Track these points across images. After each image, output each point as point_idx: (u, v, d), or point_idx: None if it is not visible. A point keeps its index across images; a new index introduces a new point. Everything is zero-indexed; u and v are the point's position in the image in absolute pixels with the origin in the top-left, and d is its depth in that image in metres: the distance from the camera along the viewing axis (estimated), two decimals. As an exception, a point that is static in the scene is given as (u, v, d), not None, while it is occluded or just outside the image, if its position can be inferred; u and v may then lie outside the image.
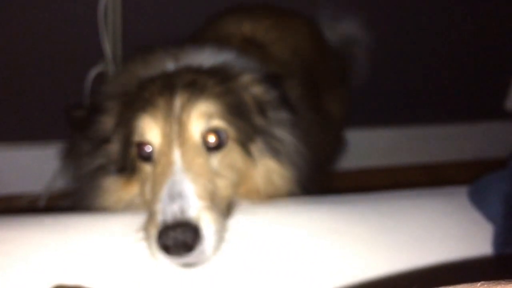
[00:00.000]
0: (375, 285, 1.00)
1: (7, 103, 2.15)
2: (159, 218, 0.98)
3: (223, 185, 1.10)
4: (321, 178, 1.39)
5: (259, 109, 1.23)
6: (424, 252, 1.06)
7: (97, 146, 1.24)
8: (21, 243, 1.00)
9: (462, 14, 2.44)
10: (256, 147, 1.20)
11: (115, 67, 2.00)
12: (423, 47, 2.49)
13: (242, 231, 1.07)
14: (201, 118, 1.10)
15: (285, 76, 1.36)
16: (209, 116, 1.11)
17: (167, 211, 0.98)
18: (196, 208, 0.99)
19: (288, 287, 0.99)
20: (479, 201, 1.12)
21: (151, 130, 1.10)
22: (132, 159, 1.15)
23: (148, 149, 1.11)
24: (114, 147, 1.21)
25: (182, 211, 0.98)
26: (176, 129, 1.09)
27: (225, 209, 1.09)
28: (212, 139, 1.11)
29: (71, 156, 1.35)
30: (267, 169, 1.21)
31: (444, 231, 1.09)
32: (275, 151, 1.22)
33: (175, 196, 1.00)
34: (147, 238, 1.01)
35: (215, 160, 1.11)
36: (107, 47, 1.99)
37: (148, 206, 1.08)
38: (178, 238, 0.95)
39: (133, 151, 1.14)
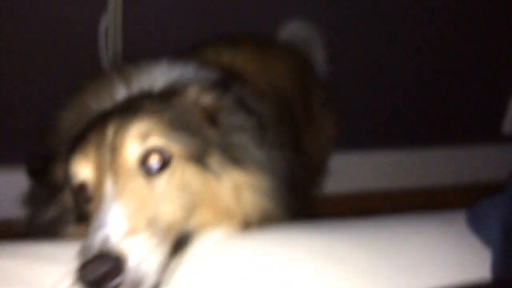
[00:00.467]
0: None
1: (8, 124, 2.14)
2: (83, 254, 0.89)
3: (170, 210, 0.99)
4: (298, 200, 1.26)
5: (210, 120, 1.12)
6: (422, 276, 1.04)
7: (51, 196, 1.16)
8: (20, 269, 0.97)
9: (459, 38, 2.46)
10: (215, 160, 1.08)
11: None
12: (421, 71, 2.51)
13: (234, 260, 1.01)
14: (134, 139, 1.00)
15: (236, 80, 1.26)
16: (144, 136, 1.00)
17: (90, 245, 0.88)
18: (122, 235, 0.88)
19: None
20: (477, 225, 1.11)
21: (82, 168, 1.02)
22: (84, 205, 1.06)
23: (87, 188, 1.02)
24: (67, 196, 1.13)
25: (104, 241, 0.87)
26: (108, 158, 0.99)
27: (175, 238, 0.98)
28: (154, 159, 1.00)
29: (30, 205, 1.26)
30: (235, 182, 1.09)
31: (442, 256, 1.09)
32: (237, 160, 1.10)
33: (100, 226, 0.89)
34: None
35: (160, 182, 1.00)
36: (107, 66, 2.00)
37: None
38: (97, 271, 0.83)
39: (80, 197, 1.05)
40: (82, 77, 2.08)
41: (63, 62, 2.06)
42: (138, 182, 0.98)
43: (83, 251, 0.89)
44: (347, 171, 2.61)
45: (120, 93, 1.20)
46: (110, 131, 1.01)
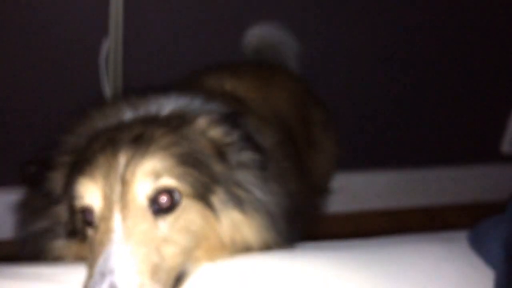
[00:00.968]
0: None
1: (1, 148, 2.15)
2: None
3: (172, 254, 0.98)
4: (300, 225, 1.26)
5: (218, 154, 1.11)
6: (426, 298, 1.05)
7: (47, 205, 1.13)
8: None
9: (459, 57, 2.48)
10: (218, 199, 1.07)
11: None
12: (421, 91, 2.52)
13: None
14: (147, 177, 0.98)
15: (245, 115, 1.25)
16: (157, 175, 0.98)
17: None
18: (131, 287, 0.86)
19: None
20: (479, 246, 1.12)
21: (90, 193, 0.99)
22: (81, 225, 1.04)
23: (90, 213, 1.00)
24: (63, 209, 1.10)
25: None
26: (118, 190, 0.97)
27: (172, 282, 0.97)
28: (163, 199, 0.99)
29: (22, 213, 1.22)
30: (232, 223, 1.09)
31: (445, 276, 1.09)
32: (239, 201, 1.09)
33: (107, 272, 0.87)
34: None
35: (165, 224, 0.99)
36: (108, 92, 2.01)
37: (84, 280, 0.95)
38: None
39: (80, 217, 1.03)
40: (83, 102, 2.10)
41: (63, 86, 2.08)
42: (147, 223, 0.96)
43: None
44: (348, 191, 2.61)
45: (127, 117, 1.19)
46: (121, 160, 0.99)
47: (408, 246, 1.17)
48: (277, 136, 1.33)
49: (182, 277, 1.00)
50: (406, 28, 2.36)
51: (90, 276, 0.90)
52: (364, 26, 2.31)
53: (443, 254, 1.14)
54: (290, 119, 1.69)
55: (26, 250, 1.16)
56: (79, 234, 1.06)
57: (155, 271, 0.92)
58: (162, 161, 1.00)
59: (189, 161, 1.05)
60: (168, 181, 0.99)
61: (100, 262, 0.89)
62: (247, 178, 1.13)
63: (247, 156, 1.14)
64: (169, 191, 1.00)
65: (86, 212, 1.00)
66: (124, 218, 0.95)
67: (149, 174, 0.98)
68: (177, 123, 1.10)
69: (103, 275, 0.87)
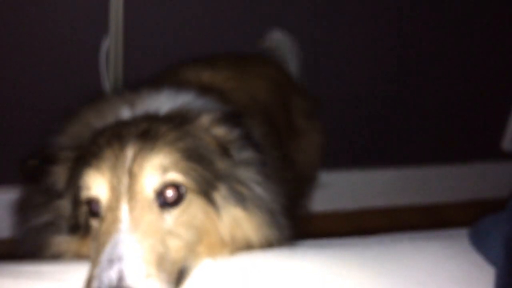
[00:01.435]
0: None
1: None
2: (94, 285, 0.87)
3: (176, 247, 0.99)
4: (291, 221, 1.26)
5: (222, 151, 1.13)
6: (426, 295, 1.05)
7: (48, 199, 1.14)
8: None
9: (459, 55, 2.48)
10: (220, 195, 1.09)
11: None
12: (421, 89, 2.52)
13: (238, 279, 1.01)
14: (154, 171, 1.00)
15: (246, 114, 1.27)
16: (164, 169, 1.01)
17: (103, 277, 0.86)
18: (138, 276, 0.87)
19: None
20: (479, 243, 1.12)
21: (97, 184, 1.00)
22: (85, 218, 1.05)
23: (96, 204, 1.01)
24: (65, 204, 1.12)
25: (121, 278, 0.86)
26: (125, 182, 0.98)
27: (175, 275, 0.98)
28: (169, 193, 1.01)
29: (22, 208, 1.23)
30: (233, 219, 1.10)
31: (445, 274, 1.08)
32: (240, 197, 1.11)
33: (115, 259, 0.88)
34: None
35: (170, 217, 1.00)
36: (108, 88, 2.02)
37: (90, 268, 0.96)
38: None
39: (84, 209, 1.05)
40: (83, 99, 2.10)
41: (64, 84, 2.08)
42: (153, 215, 0.98)
43: (93, 280, 0.89)
44: (348, 189, 2.61)
45: (125, 115, 1.21)
46: (129, 153, 1.01)
47: (408, 244, 1.17)
48: (262, 127, 1.35)
49: (185, 271, 1.01)
50: (406, 27, 2.36)
51: (96, 264, 0.91)
52: (363, 25, 2.31)
53: (444, 251, 1.14)
54: (271, 108, 1.71)
55: (25, 245, 1.16)
56: (81, 228, 1.07)
57: (160, 262, 0.93)
58: (169, 155, 1.02)
59: (194, 156, 1.06)
60: (175, 176, 1.02)
61: (107, 250, 0.91)
62: (249, 175, 1.14)
63: (248, 154, 1.16)
64: (175, 186, 1.01)
65: (92, 203, 1.02)
66: (131, 209, 0.96)
67: (157, 168, 1.00)
68: (180, 120, 1.12)
69: (111, 261, 0.88)
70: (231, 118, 1.16)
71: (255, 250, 1.13)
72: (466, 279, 1.08)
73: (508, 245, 1.06)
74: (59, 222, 1.12)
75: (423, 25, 2.37)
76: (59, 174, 1.13)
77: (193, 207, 1.04)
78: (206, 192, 1.06)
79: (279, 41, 2.13)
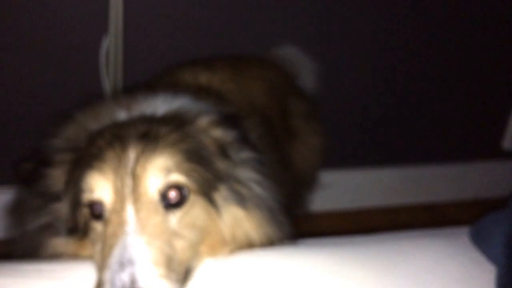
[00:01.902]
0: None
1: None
2: (104, 285, 0.88)
3: (182, 247, 0.99)
4: (290, 219, 1.28)
5: (221, 152, 1.14)
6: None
7: (45, 202, 1.13)
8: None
9: (460, 55, 2.48)
10: (220, 195, 1.10)
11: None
12: (422, 89, 2.52)
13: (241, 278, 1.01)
14: (158, 172, 1.00)
15: (243, 116, 1.29)
16: (168, 171, 1.01)
17: (115, 280, 0.87)
18: (150, 278, 0.88)
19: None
20: (481, 242, 1.11)
21: (100, 187, 1.00)
22: (84, 221, 1.05)
23: (100, 206, 1.01)
24: (63, 206, 1.11)
25: (133, 281, 0.87)
26: (129, 184, 0.98)
27: (182, 275, 0.98)
28: (172, 195, 1.01)
29: (17, 211, 1.23)
30: (234, 218, 1.11)
31: (447, 273, 1.08)
32: (240, 197, 1.12)
33: (126, 263, 0.89)
34: None
35: (174, 218, 1.01)
36: (108, 89, 2.01)
37: (97, 271, 0.96)
38: None
39: (84, 211, 1.04)
40: (83, 100, 2.10)
41: (63, 84, 2.08)
42: (159, 217, 0.98)
43: (105, 283, 0.89)
44: (349, 188, 2.61)
45: (121, 118, 1.21)
46: (130, 155, 1.01)
47: (409, 242, 1.17)
48: (259, 128, 1.36)
49: (190, 271, 1.02)
50: (407, 27, 2.36)
51: (104, 267, 0.91)
52: (363, 25, 2.31)
53: (445, 250, 1.14)
54: (268, 110, 1.71)
55: (22, 248, 1.16)
56: (80, 230, 1.07)
57: (169, 262, 0.94)
58: (171, 157, 1.03)
59: (195, 158, 1.07)
60: (178, 177, 1.02)
61: (116, 253, 0.91)
62: (248, 175, 1.15)
63: (246, 154, 1.17)
64: (178, 187, 1.02)
65: (95, 205, 1.01)
66: (137, 211, 0.96)
67: (160, 169, 1.01)
68: (179, 122, 1.12)
69: (122, 265, 0.89)
70: (228, 119, 1.17)
71: (256, 248, 1.13)
72: (467, 277, 1.08)
73: (509, 244, 1.06)
74: (57, 225, 1.12)
75: (424, 25, 2.37)
76: (56, 177, 1.12)
77: (196, 208, 1.05)
78: (207, 192, 1.07)
79: (290, 55, 2.14)
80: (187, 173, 1.03)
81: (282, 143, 1.74)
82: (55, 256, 1.11)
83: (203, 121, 1.15)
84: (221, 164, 1.13)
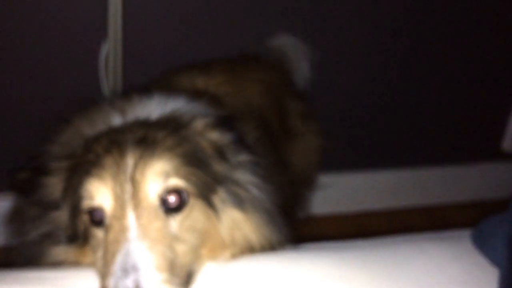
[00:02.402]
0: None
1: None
2: None
3: (183, 251, 1.00)
4: (288, 222, 1.28)
5: (218, 155, 1.14)
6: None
7: (44, 211, 1.13)
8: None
9: (459, 57, 2.49)
10: (219, 198, 1.10)
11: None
12: (421, 91, 2.53)
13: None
14: (157, 177, 1.01)
15: (239, 118, 1.29)
16: (166, 175, 1.01)
17: (120, 287, 0.88)
18: (154, 283, 0.89)
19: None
20: (482, 244, 1.11)
21: (100, 193, 1.00)
22: (84, 228, 1.04)
23: (100, 213, 1.01)
24: (63, 214, 1.10)
25: (138, 287, 0.87)
26: (129, 190, 0.98)
27: (185, 279, 0.99)
28: (172, 199, 1.01)
29: (15, 221, 1.22)
30: (233, 221, 1.11)
31: (448, 276, 1.08)
32: (238, 199, 1.12)
33: (129, 269, 0.89)
34: None
35: (175, 222, 1.01)
36: (107, 94, 2.01)
37: (99, 279, 0.97)
38: None
39: (84, 218, 1.04)
40: (82, 105, 2.10)
41: (62, 90, 2.08)
42: (160, 222, 0.99)
43: None
44: (349, 191, 2.61)
45: (116, 122, 1.21)
46: (129, 160, 1.01)
47: (411, 246, 1.16)
48: (257, 131, 1.36)
49: (192, 275, 1.02)
50: (407, 29, 2.36)
51: (107, 274, 0.91)
52: (364, 28, 2.32)
53: (446, 253, 1.14)
54: (265, 111, 1.72)
55: (23, 257, 1.16)
56: (80, 238, 1.07)
57: (171, 267, 0.94)
58: (169, 161, 1.03)
59: (193, 161, 1.07)
60: (177, 181, 1.02)
61: (119, 259, 0.91)
62: (246, 177, 1.16)
63: (243, 156, 1.17)
64: (177, 191, 1.02)
65: (95, 212, 1.01)
66: (138, 216, 0.97)
67: (159, 174, 1.01)
68: (174, 126, 1.12)
69: (125, 271, 0.89)
70: (224, 122, 1.17)
71: (257, 252, 1.13)
72: (469, 281, 1.08)
73: (511, 246, 1.06)
74: (56, 233, 1.11)
75: (423, 27, 2.38)
76: (53, 185, 1.12)
77: (195, 211, 1.05)
78: (206, 195, 1.07)
79: (287, 45, 2.14)
80: (186, 177, 1.04)
81: (280, 144, 1.74)
82: (56, 265, 1.10)
83: (199, 124, 1.15)
84: (218, 167, 1.13)
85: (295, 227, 1.34)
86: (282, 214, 1.21)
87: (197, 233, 1.05)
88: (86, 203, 1.02)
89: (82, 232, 1.05)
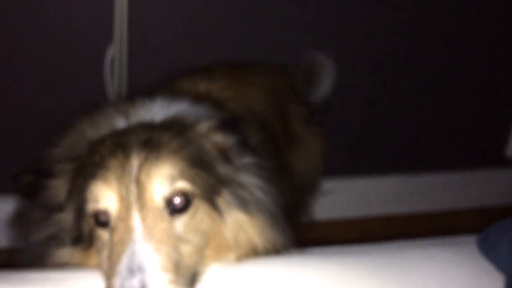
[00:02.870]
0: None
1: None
2: None
3: (188, 252, 1.01)
4: (292, 225, 1.29)
5: (223, 157, 1.15)
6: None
7: (48, 214, 1.13)
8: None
9: (462, 63, 2.49)
10: (223, 200, 1.11)
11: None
12: (426, 97, 2.53)
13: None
14: (164, 180, 1.01)
15: (243, 120, 1.29)
16: (173, 178, 1.02)
17: (126, 287, 0.88)
18: (160, 284, 0.90)
19: None
20: (488, 250, 1.11)
21: (105, 196, 1.00)
22: (89, 230, 1.05)
23: (105, 215, 1.01)
24: (67, 216, 1.11)
25: (144, 287, 0.88)
26: (134, 191, 0.99)
27: (190, 280, 0.99)
28: (177, 200, 1.02)
29: (19, 224, 1.23)
30: (237, 222, 1.12)
31: (454, 282, 1.08)
32: (243, 202, 1.13)
33: (135, 269, 0.90)
34: None
35: (180, 223, 1.02)
36: (112, 97, 2.02)
37: (105, 280, 0.97)
38: None
39: (89, 220, 1.04)
40: (87, 108, 2.10)
41: (68, 93, 2.08)
42: (165, 223, 0.99)
43: None
44: (353, 196, 2.61)
45: (120, 125, 1.21)
46: (134, 162, 1.02)
47: (416, 251, 1.16)
48: (259, 135, 1.38)
49: (197, 275, 1.03)
50: (410, 35, 2.37)
51: (112, 274, 0.92)
52: (366, 31, 2.32)
53: (452, 258, 1.13)
54: (268, 116, 1.72)
55: (27, 259, 1.16)
56: (85, 240, 1.07)
57: (177, 268, 0.95)
58: (175, 164, 1.03)
59: (197, 163, 1.08)
60: (183, 184, 1.03)
61: (124, 260, 0.92)
62: (250, 179, 1.16)
63: (247, 159, 1.18)
64: (184, 193, 1.03)
65: (100, 214, 1.02)
66: (143, 218, 0.97)
67: (165, 177, 1.02)
68: (179, 128, 1.13)
69: (131, 271, 0.90)
70: (228, 124, 1.18)
71: (261, 254, 1.14)
72: (475, 286, 1.08)
73: (518, 252, 1.06)
74: (61, 235, 1.12)
75: (427, 33, 2.38)
76: (58, 188, 1.12)
77: (200, 213, 1.06)
78: (210, 197, 1.08)
79: (314, 60, 2.16)
80: (191, 180, 1.04)
81: (283, 149, 1.74)
82: (61, 267, 1.11)
83: (203, 127, 1.16)
84: (223, 169, 1.14)
85: (299, 232, 1.33)
86: (286, 217, 1.21)
87: (202, 234, 1.05)
88: (92, 206, 1.02)
89: (87, 234, 1.06)
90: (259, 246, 1.14)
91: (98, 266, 1.04)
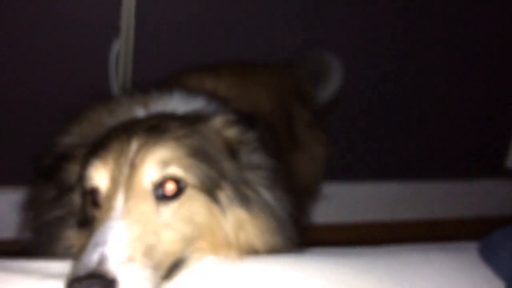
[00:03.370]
0: None
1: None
2: (75, 268, 0.88)
3: (171, 239, 1.00)
4: (298, 232, 1.27)
5: (230, 152, 1.14)
6: (435, 307, 1.04)
7: (61, 194, 1.16)
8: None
9: (463, 72, 2.49)
10: (225, 194, 1.09)
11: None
12: (427, 105, 2.53)
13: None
14: (155, 164, 1.02)
15: (260, 119, 1.29)
16: (165, 163, 1.02)
17: (84, 260, 0.87)
18: (120, 260, 0.88)
19: None
20: (489, 256, 1.11)
21: (99, 175, 1.03)
22: (91, 212, 1.06)
23: (97, 193, 1.03)
24: (76, 198, 1.13)
25: (101, 261, 0.86)
26: (125, 173, 1.00)
27: (167, 267, 0.98)
28: (170, 187, 1.02)
29: (33, 205, 1.25)
30: (237, 220, 1.10)
31: (454, 286, 1.08)
32: (245, 199, 1.11)
33: (100, 243, 0.89)
34: None
35: (167, 210, 1.01)
36: (116, 91, 2.02)
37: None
38: None
39: (89, 199, 1.06)
40: (91, 100, 2.10)
41: (73, 85, 2.08)
42: (148, 206, 0.99)
43: (77, 263, 0.89)
44: (350, 202, 2.61)
45: (140, 114, 1.23)
46: (133, 146, 1.03)
47: (417, 255, 1.16)
48: (264, 135, 1.35)
49: (181, 263, 1.02)
50: (409, 42, 2.37)
51: (84, 249, 0.92)
52: (367, 35, 2.33)
53: (452, 263, 1.13)
54: (272, 117, 1.71)
55: (37, 240, 1.18)
56: (89, 222, 1.07)
57: (148, 251, 0.94)
58: (172, 150, 1.04)
59: (199, 154, 1.08)
60: (176, 170, 1.03)
61: (95, 236, 0.92)
62: (257, 179, 1.15)
63: (258, 158, 1.17)
64: (175, 180, 1.02)
65: (94, 193, 1.04)
66: (127, 198, 0.98)
67: (157, 161, 1.02)
68: (193, 119, 1.14)
69: (96, 245, 0.89)
70: (246, 120, 1.17)
71: (262, 255, 1.12)
72: (475, 291, 1.08)
73: (518, 259, 1.05)
74: (70, 217, 1.13)
75: (428, 41, 2.39)
76: (72, 170, 1.15)
77: (194, 203, 1.05)
78: (210, 190, 1.07)
79: (319, 59, 2.15)
80: (187, 168, 1.04)
81: (285, 151, 1.73)
82: (68, 248, 1.12)
83: (218, 120, 1.16)
84: (228, 164, 1.13)
85: (302, 236, 1.33)
86: (293, 223, 1.20)
87: (194, 225, 1.04)
88: (88, 183, 1.04)
89: (90, 216, 1.07)
90: (258, 248, 1.12)
91: None
